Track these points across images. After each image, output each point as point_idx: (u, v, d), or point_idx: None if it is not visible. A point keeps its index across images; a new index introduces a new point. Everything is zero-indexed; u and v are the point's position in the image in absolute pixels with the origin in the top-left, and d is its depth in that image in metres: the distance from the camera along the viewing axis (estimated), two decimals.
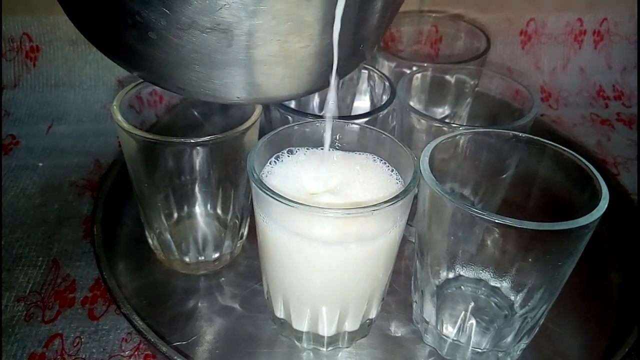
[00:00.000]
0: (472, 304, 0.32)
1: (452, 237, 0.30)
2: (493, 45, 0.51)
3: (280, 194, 0.27)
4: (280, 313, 0.34)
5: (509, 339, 0.32)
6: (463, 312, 0.31)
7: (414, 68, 0.45)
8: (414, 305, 0.36)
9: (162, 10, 0.26)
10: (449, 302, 0.32)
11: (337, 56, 0.29)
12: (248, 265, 0.40)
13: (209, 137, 0.32)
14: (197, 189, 0.36)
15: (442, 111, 0.48)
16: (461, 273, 0.32)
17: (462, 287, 0.32)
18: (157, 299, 0.37)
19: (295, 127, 0.33)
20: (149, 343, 0.32)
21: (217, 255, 0.39)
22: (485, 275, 0.32)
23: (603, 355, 0.34)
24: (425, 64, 0.45)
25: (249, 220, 0.40)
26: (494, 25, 0.66)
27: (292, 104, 0.47)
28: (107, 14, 0.28)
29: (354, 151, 0.34)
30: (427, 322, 0.34)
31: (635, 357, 0.32)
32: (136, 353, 0.35)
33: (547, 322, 0.33)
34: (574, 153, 0.32)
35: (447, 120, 0.46)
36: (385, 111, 0.38)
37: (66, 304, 0.38)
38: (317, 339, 0.34)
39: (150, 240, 0.39)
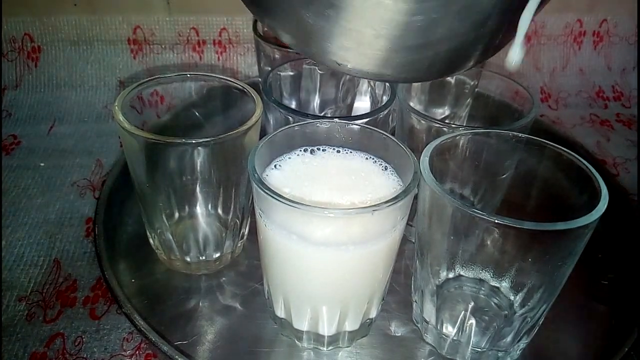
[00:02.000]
0: (472, 303, 0.32)
1: (452, 237, 0.30)
2: None
3: (281, 194, 0.27)
4: (280, 312, 0.34)
5: (509, 338, 0.32)
6: (463, 312, 0.32)
7: None
8: (414, 304, 0.36)
9: None
10: (449, 301, 0.33)
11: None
12: (249, 265, 0.40)
13: (210, 137, 0.32)
14: (198, 189, 0.36)
15: (442, 112, 0.48)
16: (461, 273, 0.32)
17: (462, 287, 0.32)
18: (158, 299, 0.37)
19: (296, 128, 0.34)
20: (150, 342, 0.32)
21: (218, 255, 0.39)
22: (485, 275, 0.32)
23: (603, 355, 0.34)
24: None
25: (249, 220, 0.40)
26: None
27: (293, 104, 0.48)
28: None
29: (354, 151, 0.34)
30: (427, 322, 0.34)
31: (635, 357, 0.32)
32: (137, 352, 0.35)
33: (547, 322, 0.33)
34: (573, 153, 0.32)
35: (447, 121, 0.46)
36: (385, 112, 0.38)
37: (67, 304, 0.38)
38: (317, 338, 0.34)
39: (151, 240, 0.39)
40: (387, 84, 0.41)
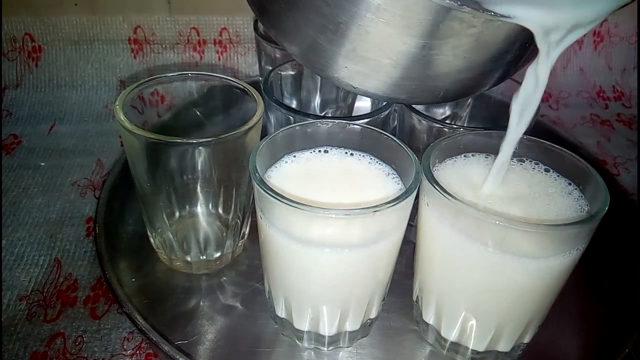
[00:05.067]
0: (473, 304, 0.32)
1: (453, 236, 0.30)
2: None
3: (282, 194, 0.27)
4: (281, 312, 0.34)
5: (509, 339, 0.32)
6: (464, 312, 0.32)
7: None
8: (415, 305, 0.36)
9: None
10: (449, 302, 0.32)
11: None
12: (249, 264, 0.40)
13: (211, 137, 0.32)
14: (199, 189, 0.36)
15: (442, 112, 0.48)
16: (462, 273, 0.32)
17: (462, 287, 0.32)
18: (159, 298, 0.37)
19: (297, 128, 0.34)
20: (151, 342, 0.32)
21: (218, 254, 0.39)
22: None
23: (603, 355, 0.34)
24: None
25: (250, 219, 0.40)
26: None
27: (294, 104, 0.48)
28: None
29: (355, 152, 0.34)
30: (428, 322, 0.34)
31: (635, 357, 0.32)
32: (138, 352, 0.35)
33: (547, 322, 0.33)
34: (573, 154, 0.32)
35: (447, 121, 0.46)
36: (386, 112, 0.38)
37: (68, 303, 0.38)
38: (318, 338, 0.34)
39: (152, 240, 0.39)
40: None
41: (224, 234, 0.39)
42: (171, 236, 0.38)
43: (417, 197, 0.31)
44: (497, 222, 0.26)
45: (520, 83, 0.34)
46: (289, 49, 0.32)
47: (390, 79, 0.30)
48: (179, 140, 0.32)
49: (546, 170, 0.33)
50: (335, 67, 0.30)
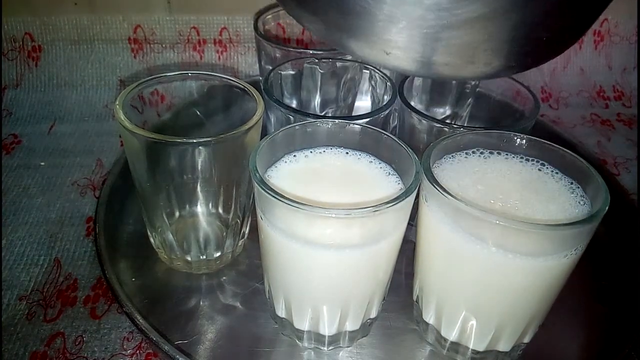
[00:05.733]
0: (473, 303, 0.32)
1: (453, 237, 0.30)
2: None
3: (282, 194, 0.27)
4: (281, 312, 0.34)
5: (510, 339, 0.32)
6: (464, 312, 0.32)
7: None
8: (415, 305, 0.36)
9: None
10: (449, 302, 0.33)
11: None
12: (249, 264, 0.40)
13: (211, 136, 0.32)
14: (198, 188, 0.36)
15: (443, 112, 0.48)
16: (462, 272, 0.32)
17: (462, 287, 0.32)
18: (159, 298, 0.37)
19: (297, 128, 0.34)
20: (151, 342, 0.32)
21: (218, 254, 0.39)
22: None
23: (603, 355, 0.34)
24: None
25: (250, 219, 0.40)
26: None
27: (294, 104, 0.48)
28: None
29: (355, 151, 0.34)
30: (428, 322, 0.34)
31: (635, 357, 0.32)
32: (138, 352, 0.35)
33: (547, 322, 0.33)
34: (573, 153, 0.32)
35: (448, 121, 0.46)
36: (386, 111, 0.38)
37: (68, 303, 0.38)
38: (318, 338, 0.34)
39: (152, 239, 0.39)
40: (388, 83, 0.41)
41: (224, 233, 0.39)
42: (171, 236, 0.38)
43: (417, 197, 0.31)
44: (497, 221, 0.26)
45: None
46: (311, 24, 0.30)
47: (426, 31, 0.27)
48: (179, 140, 0.32)
49: (547, 170, 0.33)
50: (371, 27, 0.27)
